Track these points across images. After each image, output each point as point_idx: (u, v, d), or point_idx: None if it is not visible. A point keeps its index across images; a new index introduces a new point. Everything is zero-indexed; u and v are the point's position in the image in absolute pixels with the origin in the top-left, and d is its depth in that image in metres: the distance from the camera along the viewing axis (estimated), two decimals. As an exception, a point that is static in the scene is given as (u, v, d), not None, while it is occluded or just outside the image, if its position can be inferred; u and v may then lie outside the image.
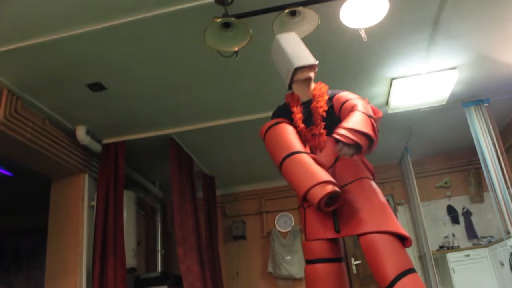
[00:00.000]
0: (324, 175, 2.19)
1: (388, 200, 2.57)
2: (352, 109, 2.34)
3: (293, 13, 3.19)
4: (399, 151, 7.15)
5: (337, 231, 2.27)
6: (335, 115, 2.51)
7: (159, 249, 6.96)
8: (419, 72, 4.83)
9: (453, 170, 7.57)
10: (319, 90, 2.61)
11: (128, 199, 5.81)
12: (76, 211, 5.32)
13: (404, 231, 2.20)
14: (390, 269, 2.06)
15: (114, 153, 5.43)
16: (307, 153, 2.36)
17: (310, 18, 3.18)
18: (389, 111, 5.56)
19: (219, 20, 3.14)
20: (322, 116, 2.51)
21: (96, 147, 5.43)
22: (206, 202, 6.91)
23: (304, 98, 2.64)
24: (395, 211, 7.48)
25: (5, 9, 3.20)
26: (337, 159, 2.42)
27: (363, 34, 3.33)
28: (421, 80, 4.96)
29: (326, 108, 2.52)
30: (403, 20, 3.88)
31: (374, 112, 2.39)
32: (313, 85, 2.66)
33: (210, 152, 6.39)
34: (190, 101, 4.91)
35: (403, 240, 2.20)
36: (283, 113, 2.67)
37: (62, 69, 4.07)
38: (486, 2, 3.78)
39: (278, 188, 7.78)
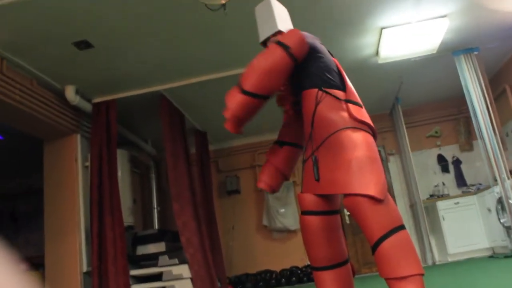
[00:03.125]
0: None
1: (379, 152, 2.42)
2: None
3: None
4: (390, 101, 7.18)
5: (317, 179, 2.26)
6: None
7: (155, 206, 7.06)
8: (409, 21, 4.79)
9: (443, 120, 7.63)
10: None
11: (121, 158, 5.83)
12: (71, 172, 5.35)
13: (373, 191, 2.02)
14: (375, 230, 2.02)
15: (105, 112, 5.40)
16: None
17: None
18: (379, 61, 5.55)
19: (205, -28, 3.07)
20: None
21: (87, 106, 5.39)
22: (200, 158, 6.96)
23: None
24: (386, 161, 7.58)
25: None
26: (316, 106, 2.32)
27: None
28: (411, 29, 4.92)
29: None
30: (392, -33, 3.81)
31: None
32: None
33: (201, 107, 6.37)
34: (180, 56, 4.86)
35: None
36: None
37: (46, 28, 3.99)
38: None
39: (270, 141, 7.67)
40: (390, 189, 7.22)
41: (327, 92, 2.32)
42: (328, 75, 2.39)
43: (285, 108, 2.63)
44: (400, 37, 5.04)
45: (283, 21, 2.58)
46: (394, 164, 7.63)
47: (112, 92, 5.45)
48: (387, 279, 2.02)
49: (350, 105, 2.31)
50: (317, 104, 2.32)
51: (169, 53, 4.75)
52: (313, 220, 2.32)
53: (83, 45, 4.33)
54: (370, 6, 4.41)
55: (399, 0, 4.37)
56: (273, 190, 2.63)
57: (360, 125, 2.26)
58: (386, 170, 7.40)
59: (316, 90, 2.34)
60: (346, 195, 2.11)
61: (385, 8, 4.48)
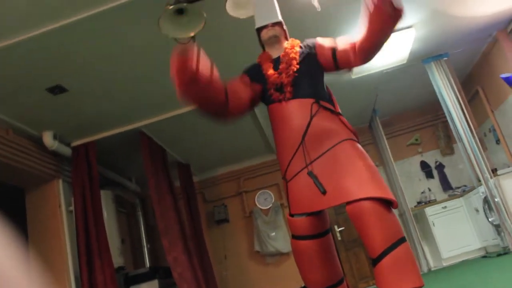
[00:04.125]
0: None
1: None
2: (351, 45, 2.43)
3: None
4: (368, 114, 7.26)
5: (322, 191, 2.13)
6: (317, 65, 2.42)
7: (145, 244, 6.95)
8: (377, 34, 4.88)
9: (422, 127, 7.74)
10: (290, 43, 2.49)
11: (106, 198, 5.74)
12: (55, 219, 5.24)
13: (391, 195, 2.08)
14: (379, 241, 1.99)
15: (85, 154, 5.34)
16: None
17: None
18: (353, 76, 5.63)
19: (171, 7, 3.09)
20: (293, 66, 2.38)
21: (66, 150, 5.33)
22: (185, 190, 6.90)
23: (275, 56, 2.50)
24: (371, 174, 7.61)
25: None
26: (311, 119, 2.25)
27: (316, 4, 3.32)
28: (380, 43, 5.01)
29: (297, 59, 2.40)
30: (354, -15, 3.89)
31: None
32: (285, 43, 2.52)
33: (181, 140, 6.35)
34: (155, 92, 4.85)
35: (391, 202, 2.09)
36: (253, 70, 2.55)
37: (18, 76, 3.96)
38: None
39: (254, 166, 7.83)
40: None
41: (324, 107, 2.30)
42: (325, 89, 2.42)
43: (284, 89, 2.36)
44: (370, 51, 5.13)
45: (279, 12, 2.58)
46: (378, 176, 7.65)
47: (90, 133, 5.40)
48: None
49: (342, 117, 2.35)
50: (313, 116, 2.26)
51: (144, 90, 4.75)
52: (309, 244, 2.27)
53: (57, 90, 4.30)
54: (337, 24, 4.49)
55: (365, 15, 4.45)
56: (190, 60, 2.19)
57: (355, 137, 2.31)
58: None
59: (311, 100, 2.29)
60: (351, 203, 2.05)
61: (352, 25, 4.56)
